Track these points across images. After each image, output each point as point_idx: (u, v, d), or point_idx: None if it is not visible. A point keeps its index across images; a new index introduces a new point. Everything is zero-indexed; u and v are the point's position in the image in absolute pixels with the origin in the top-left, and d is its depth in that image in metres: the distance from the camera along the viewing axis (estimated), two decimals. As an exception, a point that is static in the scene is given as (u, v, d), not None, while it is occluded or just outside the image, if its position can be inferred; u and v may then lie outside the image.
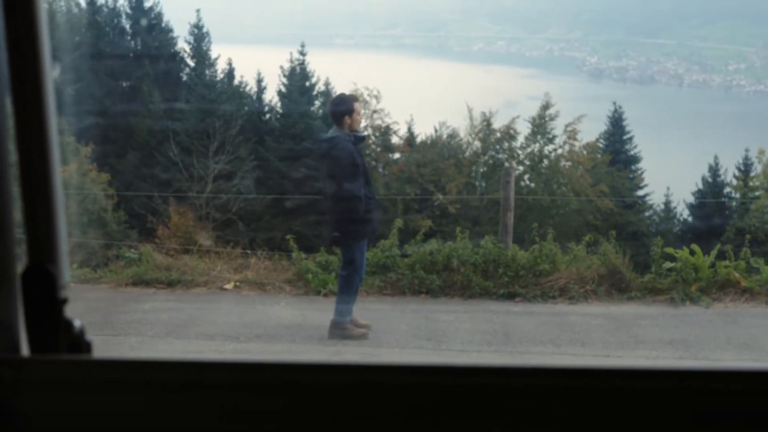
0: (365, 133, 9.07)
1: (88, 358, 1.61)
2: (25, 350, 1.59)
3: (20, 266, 1.56)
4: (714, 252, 10.70)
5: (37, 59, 1.52)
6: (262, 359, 1.59)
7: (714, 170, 27.26)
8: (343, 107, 8.89)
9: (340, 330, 8.75)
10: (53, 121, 1.54)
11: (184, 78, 27.40)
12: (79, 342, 1.61)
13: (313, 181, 23.75)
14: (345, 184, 8.68)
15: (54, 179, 1.55)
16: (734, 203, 24.31)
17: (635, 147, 29.96)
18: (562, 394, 1.55)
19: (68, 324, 1.60)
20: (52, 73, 1.53)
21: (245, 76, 28.07)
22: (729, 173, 26.97)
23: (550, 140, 24.98)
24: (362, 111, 9.16)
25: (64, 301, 1.59)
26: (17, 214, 1.55)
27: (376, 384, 1.57)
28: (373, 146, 24.89)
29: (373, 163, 24.61)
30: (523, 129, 25.26)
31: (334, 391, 1.57)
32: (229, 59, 28.04)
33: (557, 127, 25.06)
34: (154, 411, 1.58)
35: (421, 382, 1.57)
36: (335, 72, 29.34)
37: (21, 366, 1.57)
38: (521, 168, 24.43)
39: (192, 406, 1.57)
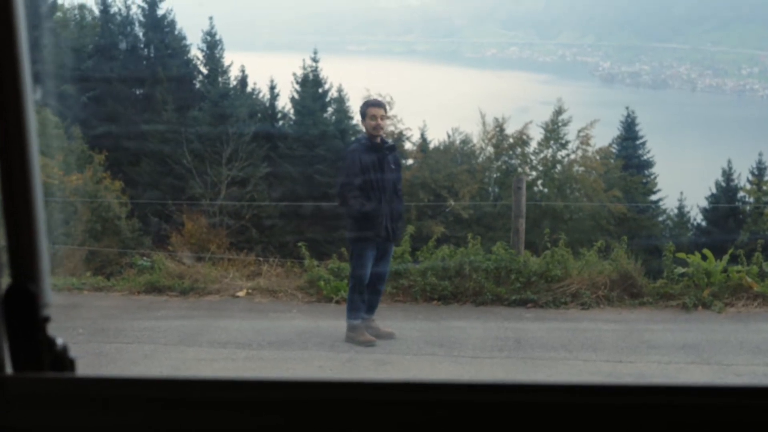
0: (388, 140, 8.80)
1: (71, 376, 1.61)
2: (8, 369, 1.59)
3: (2, 285, 1.57)
4: (726, 257, 10.66)
5: (18, 78, 1.51)
6: (250, 377, 1.58)
7: (727, 175, 27.21)
8: (360, 111, 9.13)
9: (350, 333, 8.80)
10: (35, 139, 1.54)
11: (198, 85, 27.47)
12: (62, 360, 1.61)
13: (325, 187, 23.80)
14: (344, 187, 8.81)
15: (35, 197, 1.55)
16: (748, 208, 24.20)
17: (648, 152, 29.95)
18: (574, 411, 1.53)
19: (51, 342, 1.60)
20: (33, 94, 1.53)
21: (258, 82, 28.17)
22: (742, 177, 26.94)
23: (563, 145, 24.95)
24: (381, 116, 9.12)
25: (47, 319, 1.59)
26: None
27: (373, 401, 1.55)
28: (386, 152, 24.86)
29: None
30: (536, 134, 25.23)
31: (329, 408, 1.55)
32: (242, 66, 28.15)
33: (570, 133, 25.07)
34: (139, 429, 1.57)
35: (418, 400, 1.55)
36: (348, 78, 29.39)
37: (4, 384, 1.57)
38: (534, 173, 24.40)
39: (177, 424, 1.56)
